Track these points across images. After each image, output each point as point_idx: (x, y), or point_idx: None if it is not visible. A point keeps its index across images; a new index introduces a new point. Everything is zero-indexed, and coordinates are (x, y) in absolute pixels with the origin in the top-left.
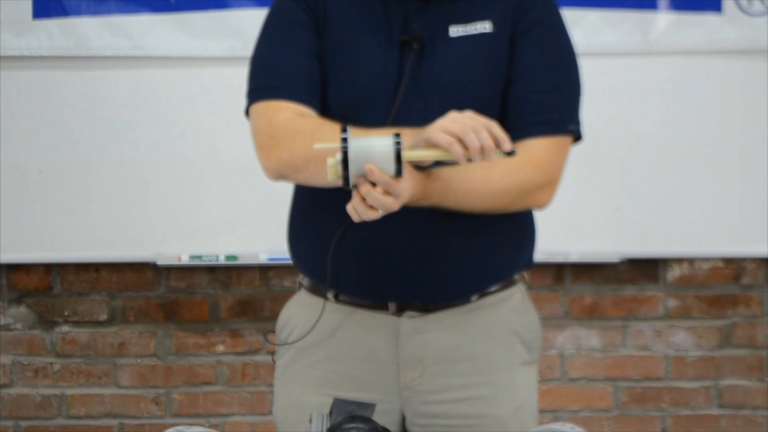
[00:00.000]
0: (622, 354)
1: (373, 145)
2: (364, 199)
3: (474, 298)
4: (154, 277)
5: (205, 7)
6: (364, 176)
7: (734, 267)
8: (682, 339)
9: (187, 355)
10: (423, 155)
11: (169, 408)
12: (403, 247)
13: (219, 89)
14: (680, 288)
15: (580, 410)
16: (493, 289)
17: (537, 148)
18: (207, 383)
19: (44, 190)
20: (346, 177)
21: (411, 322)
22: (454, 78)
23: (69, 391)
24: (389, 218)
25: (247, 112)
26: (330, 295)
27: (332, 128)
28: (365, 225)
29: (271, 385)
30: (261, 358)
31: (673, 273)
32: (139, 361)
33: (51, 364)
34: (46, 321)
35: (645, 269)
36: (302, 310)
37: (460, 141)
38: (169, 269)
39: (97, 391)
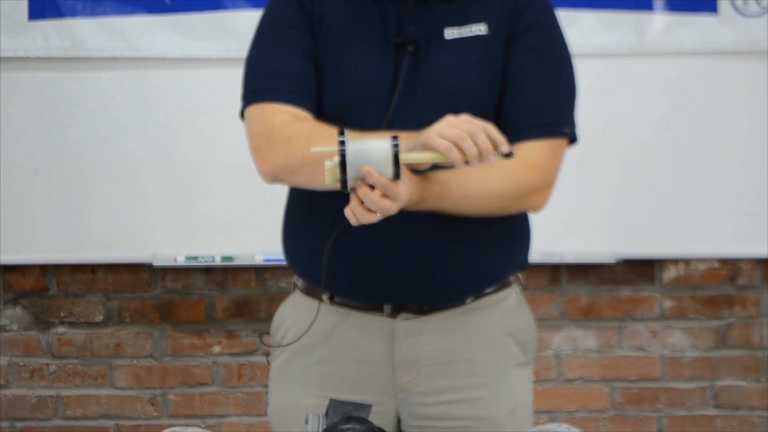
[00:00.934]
0: (618, 355)
1: (371, 148)
2: (362, 202)
3: (469, 300)
4: (150, 278)
5: (200, 9)
6: (362, 179)
7: (730, 268)
8: (678, 340)
9: (183, 356)
10: (421, 158)
11: (165, 409)
12: (398, 250)
13: (215, 90)
14: (676, 289)
15: (576, 411)
16: (487, 290)
17: (533, 150)
18: (203, 384)
19: (40, 191)
20: (343, 180)
21: (406, 324)
22: (450, 80)
23: (65, 392)
24: (384, 221)
25: (242, 115)
26: (325, 297)
27: (328, 131)
28: (360, 227)
29: (266, 385)
30: (257, 358)
31: (669, 274)
32: (135, 362)
33: (47, 365)
34: (42, 322)
35: (641, 270)
36: (297, 312)
37: (458, 146)
38: (165, 270)
39: (93, 392)
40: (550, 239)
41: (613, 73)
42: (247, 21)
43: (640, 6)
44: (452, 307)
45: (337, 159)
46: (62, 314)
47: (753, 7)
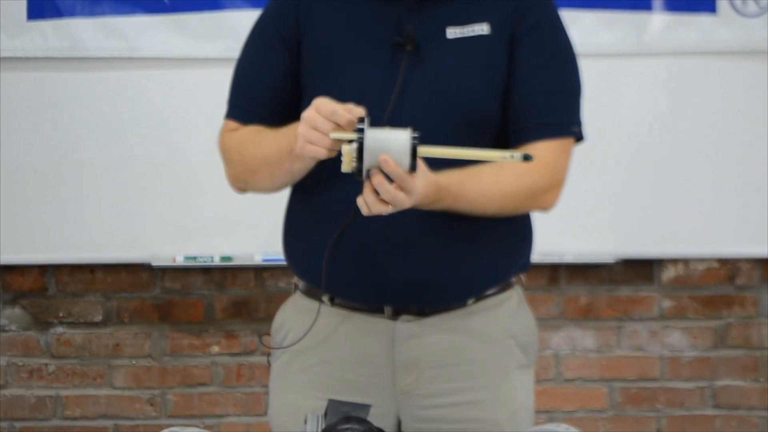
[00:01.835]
0: (617, 354)
1: (390, 138)
2: (375, 192)
3: (470, 301)
4: (149, 278)
5: (199, 8)
6: (378, 167)
7: (729, 268)
8: (677, 339)
9: (182, 356)
10: (439, 152)
11: (164, 409)
12: (399, 251)
13: (214, 90)
14: (675, 288)
15: (575, 411)
16: (489, 292)
17: (543, 150)
18: (202, 384)
19: (39, 190)
20: (359, 167)
21: (407, 326)
22: (453, 80)
23: (64, 392)
24: (385, 221)
25: None
26: (325, 299)
27: (255, 136)
28: (361, 229)
29: (266, 386)
30: (256, 359)
31: (668, 273)
32: (134, 362)
33: (46, 365)
34: (41, 322)
35: (640, 270)
36: (297, 314)
37: None
38: (164, 270)
39: (92, 392)
40: (549, 239)
41: (612, 72)
42: (246, 21)
43: (639, 6)
44: (453, 309)
45: (354, 145)
46: (61, 314)
47: (752, 6)
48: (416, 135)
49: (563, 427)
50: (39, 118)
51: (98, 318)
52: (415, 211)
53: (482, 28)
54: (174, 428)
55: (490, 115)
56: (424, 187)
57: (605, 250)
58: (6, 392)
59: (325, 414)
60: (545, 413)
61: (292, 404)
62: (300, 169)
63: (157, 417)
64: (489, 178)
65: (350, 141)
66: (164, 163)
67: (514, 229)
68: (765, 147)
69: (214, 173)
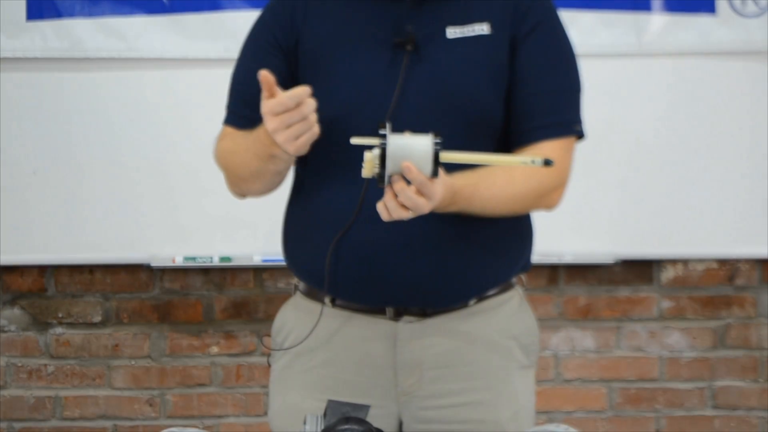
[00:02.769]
0: (616, 355)
1: (413, 144)
2: (395, 197)
3: (472, 302)
4: (148, 279)
5: (198, 9)
6: (400, 174)
7: (728, 268)
8: (676, 340)
9: (182, 357)
10: (461, 158)
11: (164, 409)
12: (401, 252)
13: (213, 90)
14: (674, 289)
15: (574, 411)
16: (490, 293)
17: (548, 150)
18: (201, 385)
19: (38, 191)
20: (381, 173)
21: (409, 327)
22: (453, 80)
23: (63, 393)
24: (386, 223)
25: None
26: (327, 300)
27: (236, 143)
28: (362, 230)
29: (265, 386)
30: (255, 359)
31: (667, 274)
32: (133, 362)
33: (45, 365)
34: (40, 323)
35: (639, 270)
36: (298, 315)
37: None
38: (163, 271)
39: (91, 392)
40: (549, 239)
41: (611, 73)
42: (245, 21)
43: (639, 6)
44: (455, 310)
45: (377, 151)
46: (60, 315)
47: (751, 7)
48: (439, 140)
49: (563, 427)
50: (38, 118)
51: (97, 318)
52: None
53: (483, 28)
54: (173, 429)
55: (492, 115)
56: (443, 192)
57: (604, 250)
58: (5, 393)
59: (325, 414)
60: (544, 414)
61: (293, 405)
62: (285, 167)
63: (157, 417)
64: (501, 180)
65: (371, 147)
66: (163, 163)
67: (515, 230)
68: (764, 148)
69: (213, 173)
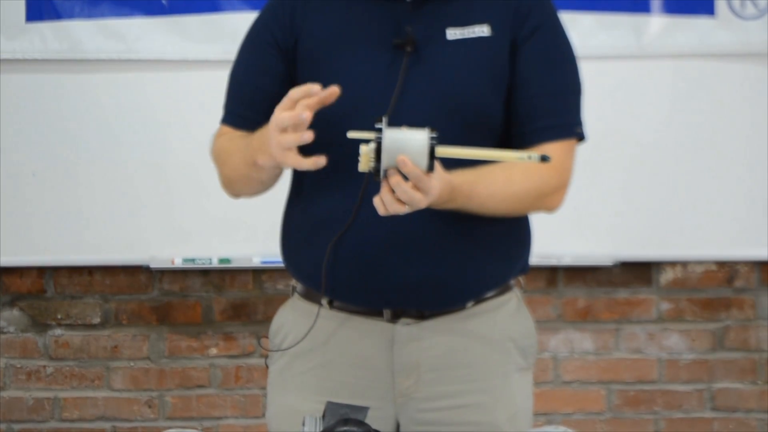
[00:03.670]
0: (615, 357)
1: (408, 138)
2: (392, 191)
3: (469, 304)
4: (147, 280)
5: (198, 10)
6: (396, 167)
7: (727, 270)
8: (675, 342)
9: (181, 358)
10: (456, 153)
11: (162, 411)
12: (398, 254)
13: (212, 92)
14: (673, 291)
15: (573, 413)
16: (488, 295)
17: (550, 152)
18: (200, 386)
19: (37, 192)
20: (377, 167)
21: (406, 329)
22: (453, 82)
23: (62, 394)
24: (384, 225)
25: None
26: (324, 302)
27: (231, 144)
28: (360, 232)
29: (264, 388)
30: (254, 361)
31: (666, 276)
32: (132, 364)
33: (44, 367)
34: (39, 324)
35: (638, 272)
36: (296, 316)
37: None
38: (163, 272)
39: (90, 394)
40: (548, 241)
41: (610, 75)
42: (244, 23)
43: (638, 8)
44: (453, 312)
45: (372, 145)
46: (59, 316)
47: (750, 9)
48: (434, 135)
49: (561, 429)
50: (38, 119)
51: (96, 320)
52: (415, 214)
53: (483, 30)
54: (172, 430)
55: (492, 116)
56: (440, 188)
57: (603, 252)
58: (4, 394)
59: (323, 416)
60: (543, 415)
61: (291, 407)
62: (270, 178)
63: (156, 419)
64: (500, 178)
65: (368, 141)
66: (162, 164)
67: (513, 232)
68: (764, 149)
69: (212, 175)
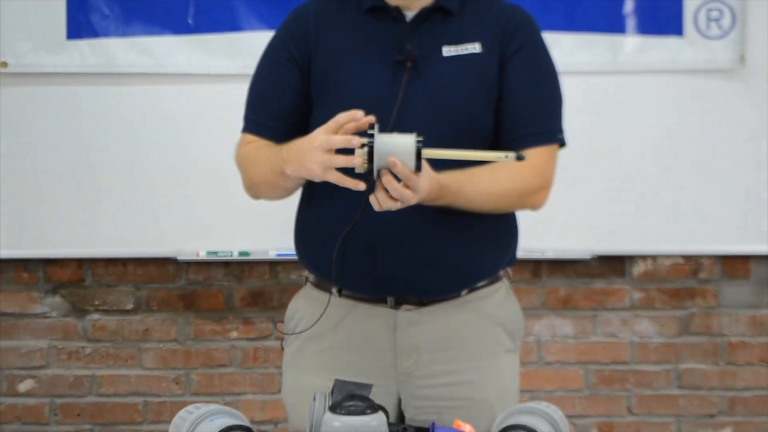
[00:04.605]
0: (592, 340)
1: (397, 141)
2: (385, 190)
3: (464, 292)
4: (174, 271)
5: (220, 30)
6: (388, 168)
7: (692, 263)
8: (645, 327)
9: (205, 341)
10: (440, 154)
11: (188, 387)
12: (401, 248)
13: (232, 102)
14: (644, 282)
15: (554, 390)
16: (480, 284)
17: (533, 156)
18: (222, 365)
19: (77, 193)
20: (370, 168)
21: (407, 315)
22: (449, 94)
23: (99, 372)
24: (387, 223)
25: None
26: (334, 291)
27: (266, 152)
28: (366, 229)
29: (279, 367)
30: (270, 343)
31: (638, 269)
32: (161, 345)
33: (83, 348)
34: (79, 310)
35: (613, 265)
36: (309, 303)
37: None
38: (188, 264)
39: (124, 372)
40: (533, 237)
41: (590, 89)
42: (262, 41)
43: (614, 29)
44: (449, 299)
45: (365, 149)
46: (96, 303)
47: (715, 29)
48: (420, 139)
49: (544, 404)
50: (78, 128)
51: (129, 306)
52: (415, 213)
53: (474, 47)
54: (197, 404)
55: (483, 124)
56: (428, 185)
57: (582, 247)
58: (48, 372)
59: (332, 392)
60: (528, 393)
61: (303, 384)
62: (294, 185)
63: (182, 395)
64: (486, 178)
65: (362, 145)
66: (189, 168)
67: (502, 228)
68: (722, 156)
69: (232, 177)
